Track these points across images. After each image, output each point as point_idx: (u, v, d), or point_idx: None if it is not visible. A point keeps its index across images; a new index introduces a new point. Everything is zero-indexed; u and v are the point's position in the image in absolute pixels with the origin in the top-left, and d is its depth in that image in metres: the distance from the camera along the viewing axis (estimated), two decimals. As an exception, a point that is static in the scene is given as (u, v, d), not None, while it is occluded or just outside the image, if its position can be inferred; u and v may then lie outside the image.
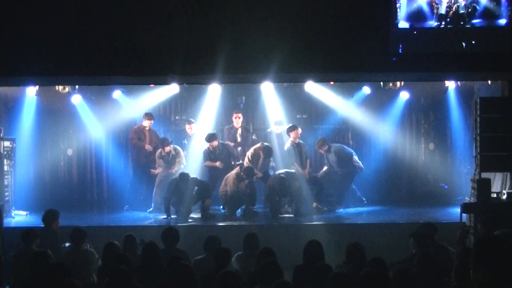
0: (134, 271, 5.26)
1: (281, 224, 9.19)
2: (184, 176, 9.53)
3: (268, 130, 11.07)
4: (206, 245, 6.30)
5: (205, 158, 10.37)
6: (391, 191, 11.70)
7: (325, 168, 10.71)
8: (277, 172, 9.92)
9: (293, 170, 9.91)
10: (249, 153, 10.10)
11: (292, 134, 10.31)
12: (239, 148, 10.81)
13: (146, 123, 10.72)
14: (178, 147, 10.55)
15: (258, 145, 10.14)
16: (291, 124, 10.54)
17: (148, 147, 10.66)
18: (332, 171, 10.61)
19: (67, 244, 7.15)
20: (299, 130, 10.63)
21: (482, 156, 8.22)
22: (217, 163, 10.29)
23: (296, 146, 10.35)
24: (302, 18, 7.64)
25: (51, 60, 7.68)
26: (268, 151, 9.94)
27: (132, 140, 10.80)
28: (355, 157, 10.55)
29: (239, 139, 10.84)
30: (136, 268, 5.52)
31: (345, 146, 10.92)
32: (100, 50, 7.66)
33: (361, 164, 10.56)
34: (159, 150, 10.42)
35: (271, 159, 10.38)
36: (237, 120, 10.82)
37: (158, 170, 10.38)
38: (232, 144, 10.72)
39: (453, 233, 6.96)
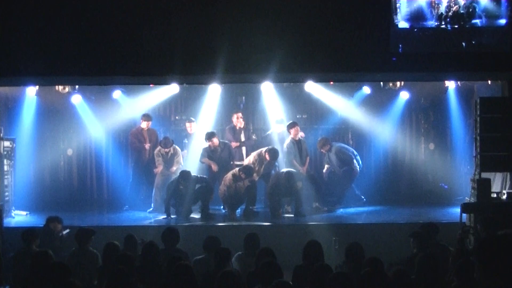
0: (134, 271, 5.25)
1: (281, 224, 9.18)
2: (185, 174, 9.52)
3: (268, 132, 11.06)
4: (206, 245, 6.31)
5: (203, 156, 10.34)
6: (391, 191, 11.69)
7: (326, 166, 10.70)
8: (280, 171, 9.91)
9: (294, 170, 9.90)
10: (252, 158, 10.07)
11: (292, 131, 10.29)
12: (244, 148, 10.81)
13: (144, 125, 10.73)
14: (176, 147, 10.56)
15: (263, 149, 10.11)
16: (291, 121, 10.54)
17: (148, 146, 10.66)
18: (333, 171, 10.61)
19: None
20: (302, 134, 10.64)
21: (482, 156, 8.21)
22: (212, 165, 10.23)
23: (296, 143, 10.34)
24: (302, 18, 7.64)
25: (51, 60, 7.68)
26: (274, 154, 9.89)
27: (133, 145, 10.82)
28: (355, 160, 10.55)
29: (242, 139, 10.83)
30: (136, 268, 5.51)
31: (347, 147, 10.93)
32: (100, 50, 7.65)
33: (358, 169, 10.55)
34: (158, 148, 10.44)
35: (276, 163, 10.35)
36: (239, 120, 10.80)
37: (158, 168, 10.38)
38: (237, 144, 10.71)
39: (453, 233, 6.96)
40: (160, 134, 11.24)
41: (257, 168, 9.92)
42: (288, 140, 10.37)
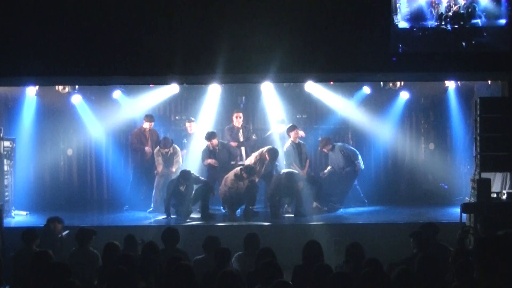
0: (135, 271, 5.24)
1: (281, 224, 9.19)
2: (185, 173, 9.52)
3: (269, 132, 11.06)
4: (206, 245, 6.31)
5: (204, 157, 10.36)
6: (391, 191, 11.70)
7: (329, 167, 10.70)
8: (281, 172, 9.92)
9: (295, 171, 9.91)
10: (253, 159, 10.06)
11: (292, 134, 10.31)
12: (243, 148, 10.81)
13: (146, 125, 10.73)
14: (176, 146, 10.56)
15: (263, 149, 10.12)
16: (290, 124, 10.55)
17: (148, 149, 10.65)
18: (335, 171, 10.60)
19: None
20: (302, 133, 10.65)
21: (482, 156, 8.22)
22: (211, 161, 10.26)
23: (296, 146, 10.35)
24: (302, 18, 7.64)
25: (51, 60, 7.67)
26: (273, 153, 9.92)
27: (132, 145, 10.81)
28: (359, 156, 10.59)
29: (241, 139, 10.84)
30: (136, 268, 5.51)
31: (348, 145, 10.95)
32: (100, 50, 7.65)
33: (361, 165, 10.57)
34: (158, 148, 10.44)
35: (277, 163, 10.35)
36: (238, 120, 10.81)
37: (159, 168, 10.38)
38: (235, 144, 10.71)
39: (453, 233, 6.96)
40: (160, 134, 11.23)
41: (258, 168, 9.93)
42: (287, 144, 10.37)
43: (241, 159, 10.59)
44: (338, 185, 10.56)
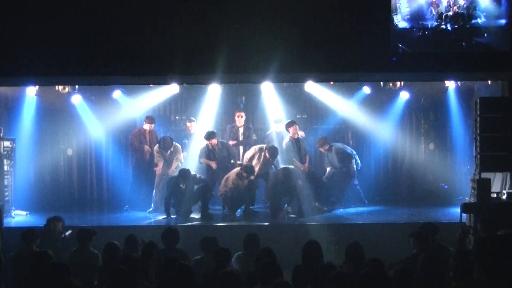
0: (138, 272, 5.24)
1: (281, 224, 9.19)
2: (185, 172, 9.52)
3: (268, 132, 11.07)
4: (203, 246, 6.31)
5: (201, 155, 10.36)
6: (391, 191, 11.71)
7: (328, 169, 10.70)
8: (277, 169, 9.92)
9: (292, 167, 9.89)
10: (252, 151, 10.07)
11: (291, 129, 10.32)
12: (241, 147, 10.82)
13: (147, 127, 10.74)
14: (177, 144, 10.56)
15: (263, 145, 10.12)
16: (289, 120, 10.56)
17: (147, 148, 10.66)
18: (335, 171, 10.61)
19: None
20: (302, 133, 10.66)
21: (482, 156, 8.22)
22: (212, 164, 10.27)
23: (295, 142, 10.36)
24: (302, 18, 7.64)
25: (51, 60, 7.68)
26: (273, 152, 9.93)
27: (133, 145, 10.82)
28: (354, 160, 10.58)
29: (241, 138, 10.85)
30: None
31: (346, 146, 10.95)
32: (100, 50, 7.66)
33: (355, 168, 10.57)
34: (157, 145, 10.44)
35: (278, 163, 10.34)
36: (240, 119, 10.83)
37: (159, 166, 10.37)
38: (234, 142, 10.72)
39: (453, 233, 6.97)
40: (160, 134, 11.24)
41: (255, 162, 9.90)
42: (286, 139, 10.40)
43: (239, 159, 10.60)
44: (337, 185, 10.57)
